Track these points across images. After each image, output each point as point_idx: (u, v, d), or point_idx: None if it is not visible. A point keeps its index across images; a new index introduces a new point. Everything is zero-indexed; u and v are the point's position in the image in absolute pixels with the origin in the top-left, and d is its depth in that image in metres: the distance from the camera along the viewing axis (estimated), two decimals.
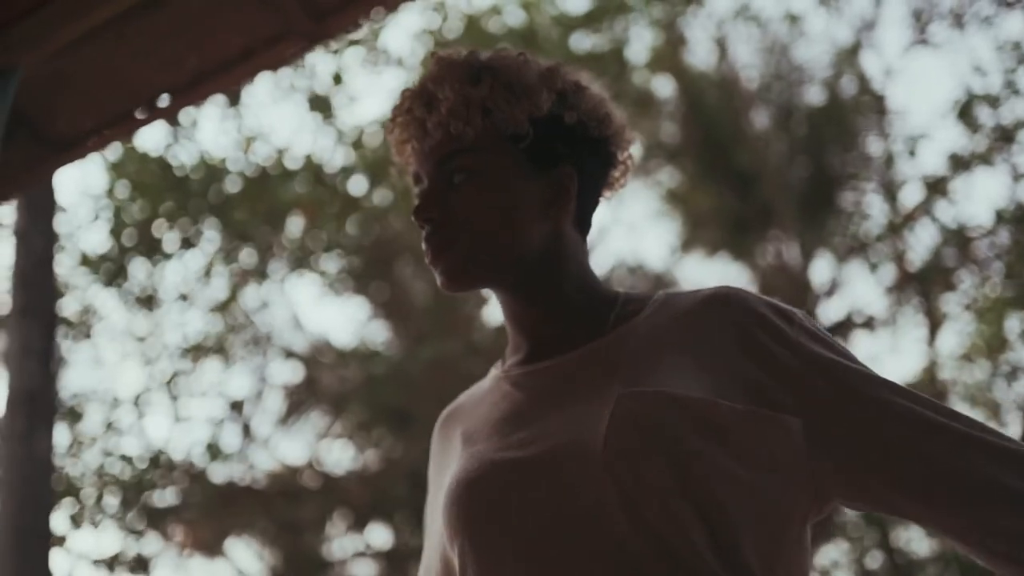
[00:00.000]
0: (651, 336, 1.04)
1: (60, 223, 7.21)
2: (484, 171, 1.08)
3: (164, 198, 7.48)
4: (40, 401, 5.49)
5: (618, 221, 9.78)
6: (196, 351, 8.02)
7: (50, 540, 5.52)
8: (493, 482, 0.98)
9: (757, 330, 1.01)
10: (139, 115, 2.68)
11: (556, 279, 1.10)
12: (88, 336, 7.85)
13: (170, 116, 2.72)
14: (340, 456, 9.24)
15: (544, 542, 0.94)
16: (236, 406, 8.58)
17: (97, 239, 7.75)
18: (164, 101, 2.65)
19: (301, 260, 8.41)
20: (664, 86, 9.36)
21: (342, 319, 14.49)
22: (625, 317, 1.08)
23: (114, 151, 7.58)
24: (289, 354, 9.08)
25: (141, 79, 2.58)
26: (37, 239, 5.74)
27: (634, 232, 12.12)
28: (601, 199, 1.18)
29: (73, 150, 2.84)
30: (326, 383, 8.98)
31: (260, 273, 8.36)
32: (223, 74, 2.58)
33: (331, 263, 8.69)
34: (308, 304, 11.88)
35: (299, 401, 9.03)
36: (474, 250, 1.07)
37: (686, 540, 0.92)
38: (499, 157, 1.08)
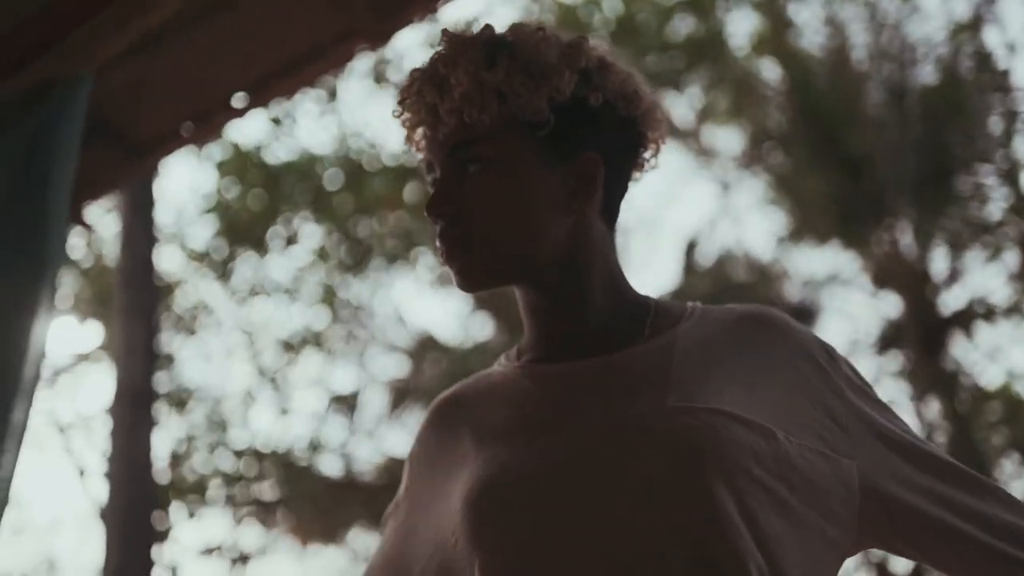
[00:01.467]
0: (695, 350, 0.99)
1: (165, 222, 7.43)
2: (501, 161, 1.00)
3: (267, 194, 7.63)
4: (143, 397, 5.68)
5: (724, 210, 9.56)
6: (301, 345, 8.16)
7: (154, 532, 5.69)
8: (524, 491, 0.92)
9: (807, 366, 1.00)
10: (215, 116, 2.71)
11: (582, 275, 1.03)
12: (195, 331, 8.07)
13: (244, 116, 2.74)
14: None
15: (587, 562, 0.88)
16: (341, 400, 8.70)
17: (203, 236, 7.98)
18: (238, 101, 2.67)
19: (402, 254, 8.47)
20: (769, 70, 9.09)
21: (445, 313, 14.57)
22: (662, 326, 1.02)
23: (219, 148, 7.77)
24: (393, 348, 9.17)
25: (215, 81, 2.60)
26: (140, 239, 5.93)
27: (741, 221, 11.83)
28: (631, 183, 1.09)
29: (154, 153, 2.88)
30: (429, 376, 9.03)
31: (362, 267, 8.46)
32: (295, 72, 2.58)
33: (432, 256, 8.73)
34: (411, 298, 11.99)
35: (403, 394, 9.11)
36: (492, 249, 0.99)
37: (742, 571, 0.87)
38: (517, 146, 1.00)
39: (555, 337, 1.03)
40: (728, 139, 9.19)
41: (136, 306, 5.76)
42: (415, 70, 1.04)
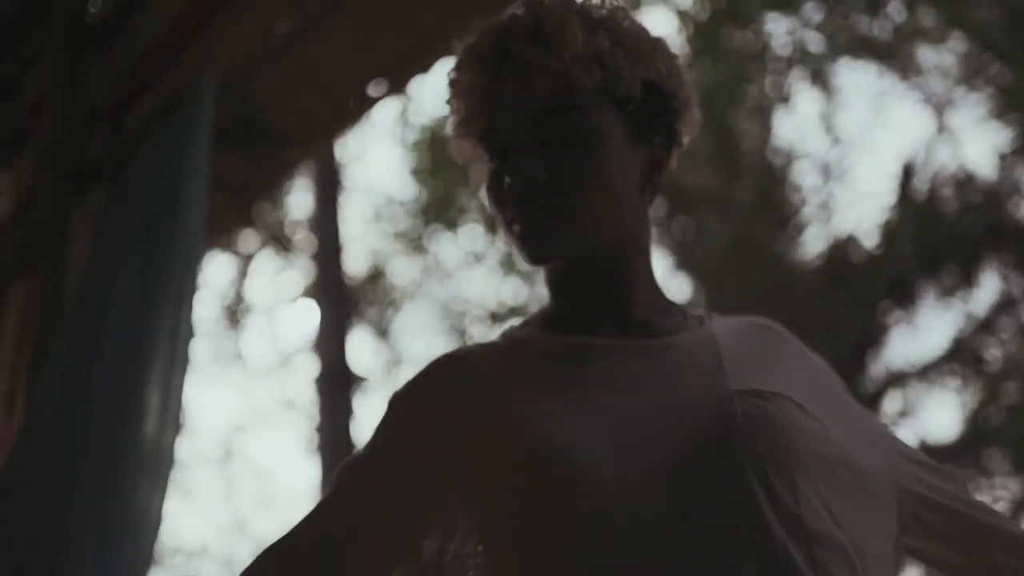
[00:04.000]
0: (734, 345, 1.00)
1: (363, 203, 7.66)
2: (594, 133, 0.97)
3: (458, 168, 7.73)
4: (341, 377, 5.92)
5: (941, 131, 8.82)
6: (504, 317, 8.28)
7: None
8: (606, 462, 0.87)
9: (818, 370, 1.04)
10: (356, 104, 2.74)
11: (635, 259, 1.03)
12: (396, 309, 8.35)
13: (385, 100, 2.75)
14: None
15: (676, 537, 0.86)
16: None
17: (400, 213, 8.21)
18: (378, 87, 2.68)
19: None
20: None
21: None
22: (692, 323, 1.04)
23: (407, 129, 7.94)
24: None
25: (353, 69, 2.62)
26: (329, 225, 6.15)
27: (960, 141, 10.87)
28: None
29: (303, 148, 2.93)
30: None
31: None
32: (427, 51, 2.57)
33: None
34: None
35: None
36: (576, 221, 0.97)
37: (838, 554, 0.87)
38: (609, 119, 0.98)
39: (597, 316, 1.01)
40: (939, 55, 8.45)
41: (329, 290, 5.99)
42: (501, 23, 1.00)
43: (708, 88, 7.05)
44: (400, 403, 0.99)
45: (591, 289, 1.01)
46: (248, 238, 8.58)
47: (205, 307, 9.34)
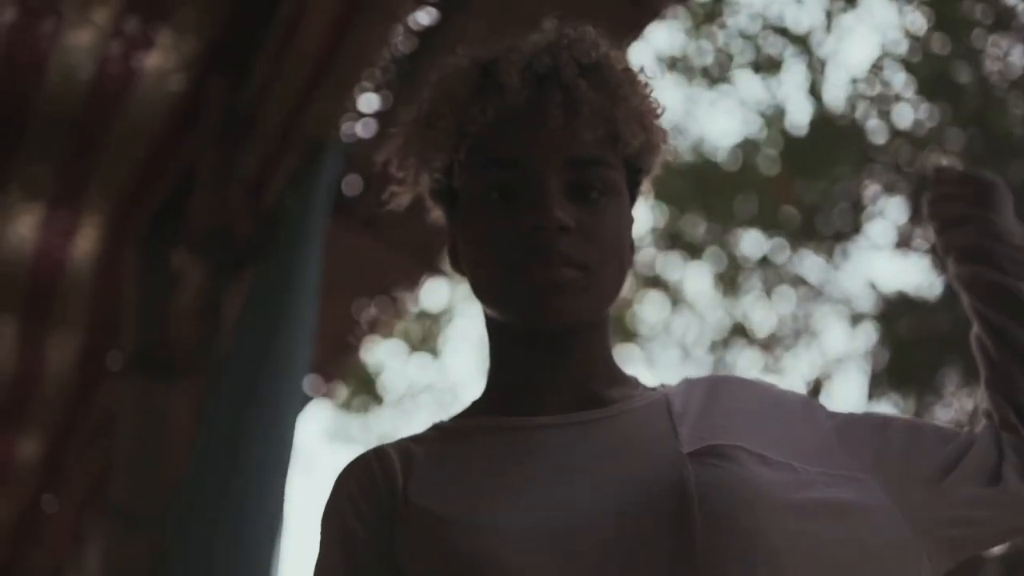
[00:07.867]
0: (688, 404, 0.94)
1: None
2: (619, 196, 0.94)
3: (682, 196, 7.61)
4: None
5: None
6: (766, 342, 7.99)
7: None
8: (567, 544, 0.82)
9: (793, 412, 0.95)
10: None
11: (604, 328, 0.97)
12: (642, 348, 8.27)
13: None
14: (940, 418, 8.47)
15: None
16: (815, 384, 8.34)
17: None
18: None
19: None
20: None
21: (910, 273, 13.27)
22: (647, 389, 0.98)
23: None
24: (861, 317, 8.57)
25: None
26: None
27: None
28: None
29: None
30: (902, 343, 8.27)
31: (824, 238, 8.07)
32: None
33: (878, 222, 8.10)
34: (875, 262, 11.22)
35: (883, 366, 8.45)
36: (598, 282, 0.91)
37: None
38: (621, 178, 0.96)
39: (551, 389, 0.94)
40: None
41: None
42: (546, 41, 0.94)
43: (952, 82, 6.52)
44: (330, 525, 0.92)
45: (556, 359, 0.94)
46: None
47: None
